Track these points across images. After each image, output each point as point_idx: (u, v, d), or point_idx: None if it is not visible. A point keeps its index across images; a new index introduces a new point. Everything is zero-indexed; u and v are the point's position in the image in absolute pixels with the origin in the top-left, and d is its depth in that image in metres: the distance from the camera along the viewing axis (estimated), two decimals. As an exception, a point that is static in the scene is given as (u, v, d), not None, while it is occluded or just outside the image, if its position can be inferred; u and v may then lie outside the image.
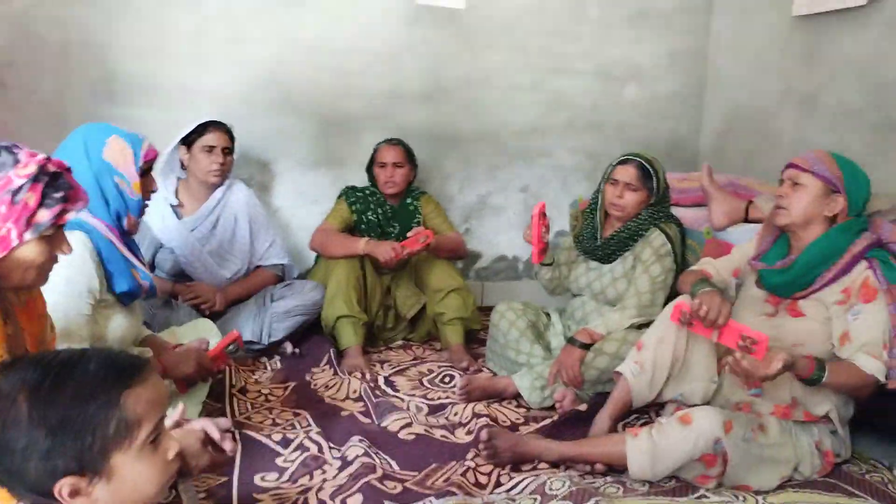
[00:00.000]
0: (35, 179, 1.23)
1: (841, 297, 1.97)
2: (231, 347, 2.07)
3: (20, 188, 1.21)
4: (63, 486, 0.91)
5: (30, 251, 1.26)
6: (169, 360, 1.89)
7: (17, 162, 1.23)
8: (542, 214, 2.42)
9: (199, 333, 2.22)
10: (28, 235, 1.23)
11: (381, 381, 2.60)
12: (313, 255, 3.12)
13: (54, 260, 1.33)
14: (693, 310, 1.95)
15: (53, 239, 1.30)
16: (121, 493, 0.95)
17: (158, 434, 0.99)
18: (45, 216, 1.24)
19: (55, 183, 1.26)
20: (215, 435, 1.39)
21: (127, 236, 1.91)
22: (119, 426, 0.93)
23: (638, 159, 2.50)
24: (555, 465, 2.01)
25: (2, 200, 1.20)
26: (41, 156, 1.26)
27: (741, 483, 1.90)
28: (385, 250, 2.74)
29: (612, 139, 3.64)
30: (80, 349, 0.99)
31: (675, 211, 2.74)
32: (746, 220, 2.62)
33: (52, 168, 1.26)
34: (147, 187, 1.90)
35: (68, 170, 1.31)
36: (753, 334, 1.86)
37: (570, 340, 2.42)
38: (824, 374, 1.84)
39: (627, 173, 2.49)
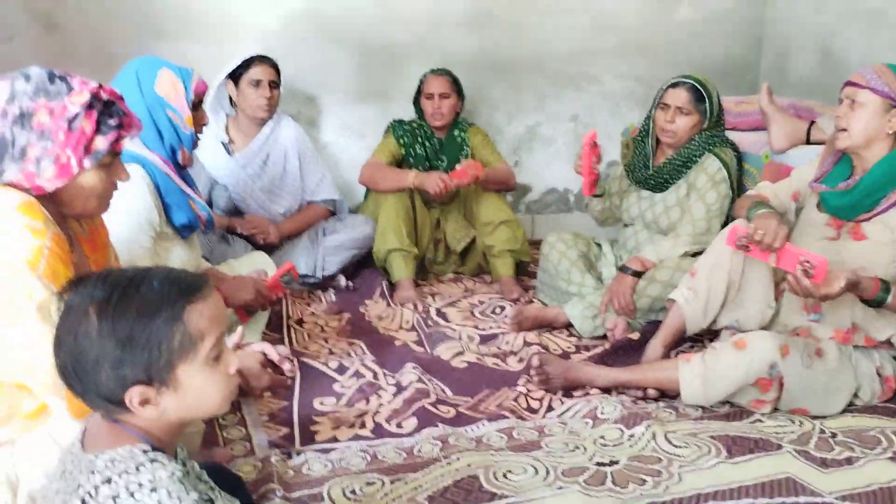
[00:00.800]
0: (90, 107, 1.25)
1: (908, 218, 1.89)
2: (286, 278, 2.12)
3: (76, 116, 1.23)
4: (133, 395, 0.95)
5: (90, 178, 1.29)
6: (228, 288, 1.94)
7: (70, 90, 1.25)
8: (594, 144, 2.37)
9: (255, 266, 2.27)
10: (87, 163, 1.26)
11: (432, 312, 2.63)
12: (363, 189, 3.13)
13: (114, 187, 1.37)
14: (748, 234, 1.90)
15: (111, 166, 1.33)
16: (186, 403, 1.00)
17: (220, 349, 1.02)
18: (101, 143, 1.27)
19: (109, 110, 1.29)
20: (274, 356, 1.43)
21: (182, 170, 1.95)
22: (183, 339, 0.96)
23: (690, 81, 2.41)
24: (606, 390, 2.02)
25: (59, 128, 1.22)
26: (94, 84, 1.28)
27: (798, 407, 1.88)
28: (434, 182, 2.73)
29: (664, 63, 3.49)
30: (144, 268, 1.02)
31: (733, 135, 2.65)
32: (808, 143, 2.51)
33: (105, 96, 1.28)
34: (199, 121, 1.92)
35: (121, 97, 1.33)
36: (812, 257, 1.80)
37: (622, 269, 2.40)
38: (889, 295, 1.78)
39: (679, 96, 2.40)
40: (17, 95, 1.22)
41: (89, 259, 1.42)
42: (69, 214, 1.34)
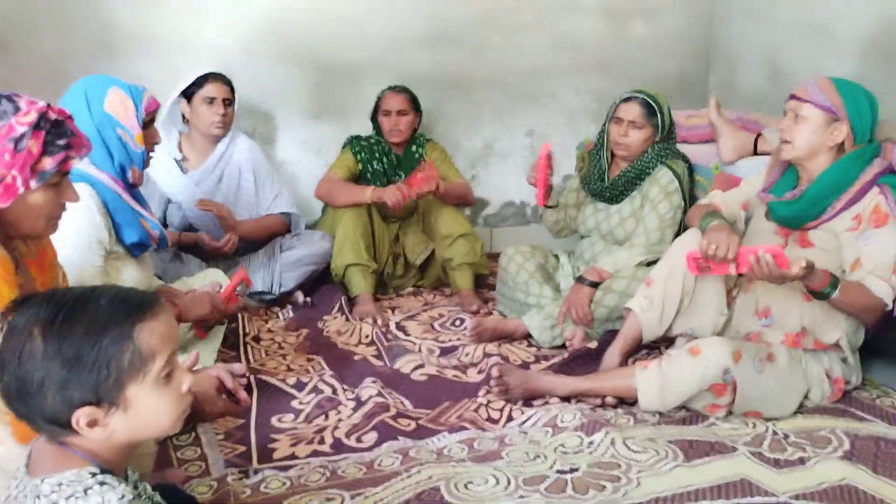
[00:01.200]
0: (37, 126, 1.23)
1: (852, 225, 1.95)
2: (240, 288, 2.09)
3: (23, 136, 1.21)
4: (80, 417, 0.93)
5: (37, 198, 1.26)
6: (184, 305, 1.91)
7: (17, 110, 1.23)
8: (549, 156, 2.40)
9: (210, 283, 2.24)
10: (34, 183, 1.24)
11: (392, 326, 2.63)
12: (320, 206, 3.12)
13: (62, 208, 1.34)
14: (702, 251, 1.94)
15: (59, 187, 1.30)
16: (136, 424, 0.98)
17: (172, 368, 1.01)
18: (49, 163, 1.24)
19: (57, 130, 1.26)
20: (229, 383, 1.41)
21: (133, 188, 1.92)
22: (133, 358, 0.94)
23: (641, 96, 2.47)
24: (566, 399, 2.04)
25: (5, 148, 1.20)
26: (42, 103, 1.26)
27: (751, 410, 1.92)
28: (392, 193, 2.73)
29: (619, 79, 3.56)
30: (91, 286, 1.00)
31: (684, 148, 2.71)
32: (755, 154, 2.59)
33: (53, 115, 1.26)
34: (150, 139, 1.90)
35: (69, 117, 1.31)
36: (767, 249, 1.84)
37: (579, 279, 2.43)
38: (836, 290, 1.84)
39: (631, 111, 2.46)
40: None
41: (36, 280, 1.39)
42: (16, 235, 1.31)
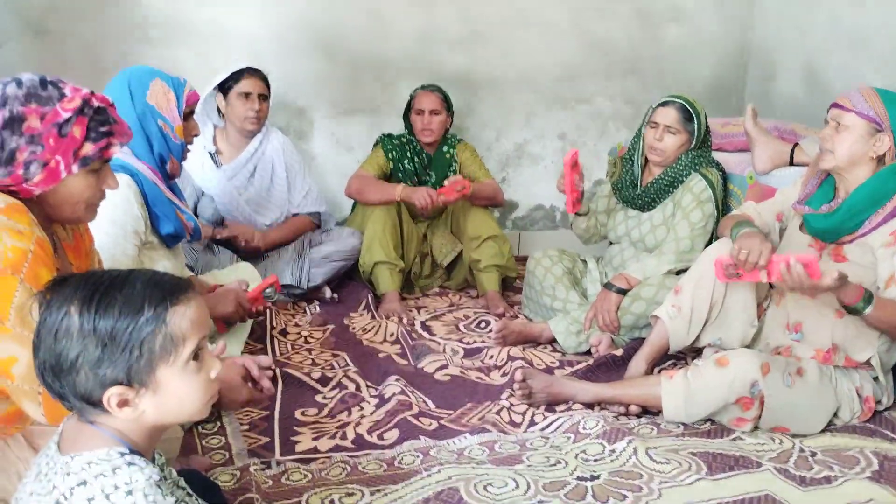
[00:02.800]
0: (81, 112, 1.26)
1: (889, 240, 1.91)
2: (269, 291, 2.11)
3: (67, 121, 1.24)
4: (111, 396, 0.94)
5: (78, 184, 1.29)
6: (208, 301, 1.93)
7: (63, 96, 1.25)
8: (575, 163, 2.39)
9: (240, 277, 2.26)
10: (75, 168, 1.26)
11: (417, 325, 2.63)
12: (349, 202, 3.14)
13: (102, 195, 1.37)
14: (733, 256, 1.91)
15: (100, 173, 1.33)
16: (165, 406, 0.99)
17: (201, 353, 1.02)
18: (91, 149, 1.27)
19: (100, 117, 1.29)
20: (255, 372, 1.43)
21: (170, 180, 1.95)
22: (165, 341, 0.96)
23: (679, 101, 2.44)
24: (589, 405, 2.03)
25: (49, 133, 1.23)
26: (86, 90, 1.29)
27: (778, 426, 1.89)
28: (422, 196, 2.74)
29: (653, 84, 3.55)
30: (127, 269, 1.02)
31: (718, 156, 2.68)
32: (792, 164, 2.55)
33: (96, 103, 1.29)
34: (189, 131, 1.93)
35: (112, 105, 1.34)
36: (800, 258, 1.81)
37: (607, 286, 2.41)
38: (869, 306, 1.80)
39: (668, 115, 2.44)
40: (9, 100, 1.22)
41: (73, 266, 1.42)
42: (57, 219, 1.34)
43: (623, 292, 2.38)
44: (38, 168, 1.22)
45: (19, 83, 1.24)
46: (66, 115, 1.24)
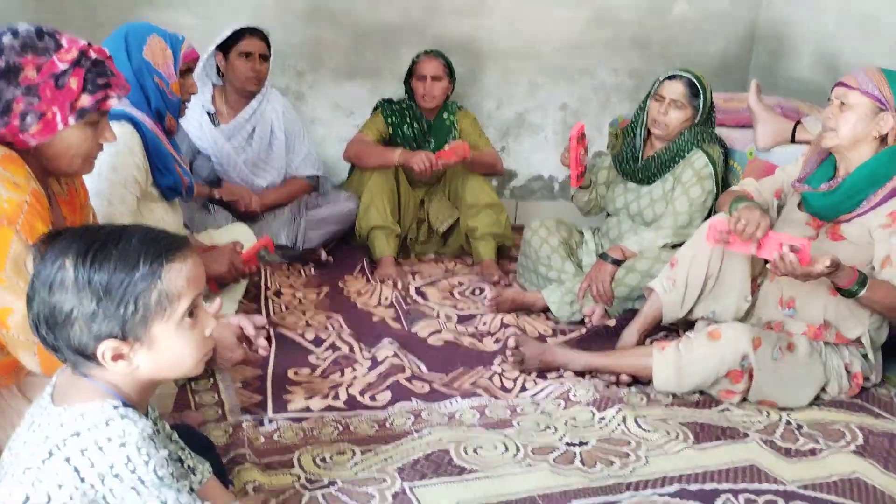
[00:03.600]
0: (77, 64, 1.24)
1: (886, 221, 1.91)
2: (262, 253, 2.11)
3: (63, 72, 1.22)
4: (106, 349, 0.95)
5: (75, 136, 1.28)
6: (203, 259, 1.93)
7: (59, 47, 1.24)
8: (581, 136, 2.37)
9: (235, 237, 2.26)
10: (72, 120, 1.25)
11: (412, 290, 2.64)
12: (346, 167, 3.12)
13: (99, 147, 1.35)
14: (730, 224, 1.92)
15: (97, 126, 1.32)
16: (159, 362, 1.00)
17: (196, 310, 1.02)
18: (88, 101, 1.26)
19: (97, 69, 1.27)
20: (250, 331, 1.43)
21: (168, 136, 1.94)
22: (160, 297, 0.96)
23: (687, 75, 2.42)
24: (580, 374, 2.04)
25: (46, 84, 1.21)
26: (83, 42, 1.27)
27: (766, 399, 1.91)
28: (420, 159, 2.73)
29: (657, 58, 3.51)
30: (123, 224, 1.01)
31: (720, 131, 2.67)
32: (793, 142, 2.54)
33: (93, 54, 1.27)
34: (187, 89, 1.92)
35: (109, 57, 1.32)
36: (795, 240, 1.81)
37: (602, 256, 2.42)
38: (864, 288, 1.81)
39: (675, 89, 2.41)
40: (5, 50, 1.20)
41: (67, 220, 1.41)
42: (53, 172, 1.33)
43: (618, 263, 2.38)
44: (35, 119, 1.21)
45: (15, 33, 1.22)
46: (62, 67, 1.22)
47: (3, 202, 1.16)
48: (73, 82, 1.23)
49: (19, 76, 1.20)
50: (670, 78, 2.44)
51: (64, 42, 1.25)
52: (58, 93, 1.22)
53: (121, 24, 1.89)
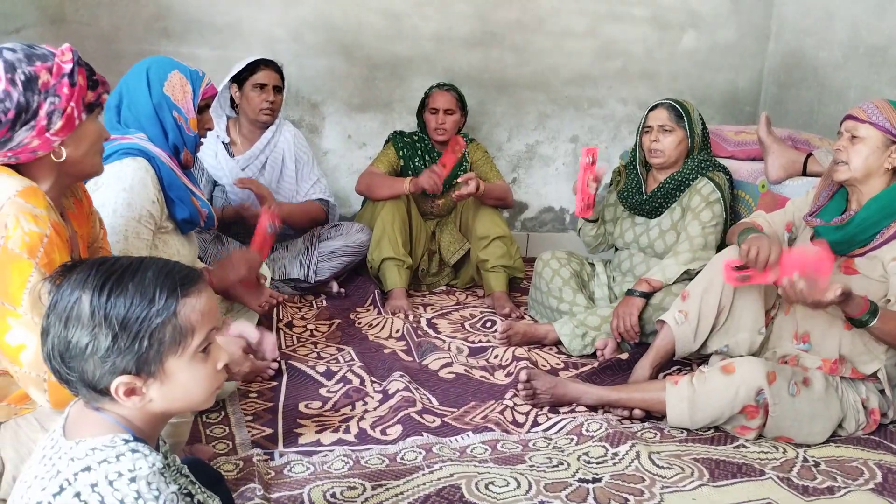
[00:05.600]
0: (77, 63, 1.29)
1: (900, 254, 1.90)
2: (270, 229, 2.11)
3: (72, 71, 1.27)
4: (120, 385, 0.95)
5: (90, 130, 1.33)
6: (216, 274, 1.94)
7: (52, 53, 1.29)
8: (593, 161, 2.37)
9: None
10: (84, 116, 1.30)
11: (423, 322, 2.63)
12: (359, 198, 3.14)
13: (105, 139, 1.40)
14: (742, 256, 1.90)
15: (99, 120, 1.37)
16: (172, 396, 0.99)
17: (209, 344, 1.02)
18: (92, 96, 1.32)
19: (88, 67, 1.33)
20: (253, 337, 1.43)
21: (184, 169, 1.96)
22: (174, 333, 0.96)
23: (667, 101, 2.49)
24: (593, 408, 2.02)
25: (61, 84, 1.26)
26: (65, 45, 1.32)
27: (782, 435, 1.88)
28: (427, 177, 2.75)
29: (666, 90, 3.54)
30: (138, 257, 1.02)
31: (731, 164, 2.68)
32: (804, 174, 2.54)
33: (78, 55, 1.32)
34: (203, 124, 1.94)
35: None
36: (812, 257, 1.79)
37: (629, 292, 2.39)
38: (875, 319, 1.79)
39: (659, 116, 2.47)
40: (15, 64, 1.24)
41: (77, 234, 1.42)
42: (78, 177, 1.36)
43: (646, 296, 2.36)
44: (59, 117, 1.25)
45: (12, 50, 1.26)
46: (69, 67, 1.27)
47: (24, 235, 1.18)
48: (80, 80, 1.29)
49: (38, 82, 1.24)
50: (652, 108, 2.51)
51: (53, 49, 1.30)
52: (73, 90, 1.27)
53: (138, 56, 1.93)
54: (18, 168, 1.26)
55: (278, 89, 2.80)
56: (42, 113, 1.24)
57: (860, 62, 3.02)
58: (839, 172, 1.96)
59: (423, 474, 1.64)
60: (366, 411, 1.95)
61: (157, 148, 1.83)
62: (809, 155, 2.56)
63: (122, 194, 1.70)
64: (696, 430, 1.93)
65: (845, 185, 1.99)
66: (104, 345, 0.93)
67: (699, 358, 2.23)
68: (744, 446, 1.86)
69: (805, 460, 1.80)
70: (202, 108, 1.91)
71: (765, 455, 1.82)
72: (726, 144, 2.88)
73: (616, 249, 2.68)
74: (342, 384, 2.09)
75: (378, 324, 2.59)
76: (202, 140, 1.96)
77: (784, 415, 1.85)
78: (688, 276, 2.36)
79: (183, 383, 0.99)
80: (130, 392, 0.96)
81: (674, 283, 2.36)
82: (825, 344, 1.97)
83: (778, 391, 1.84)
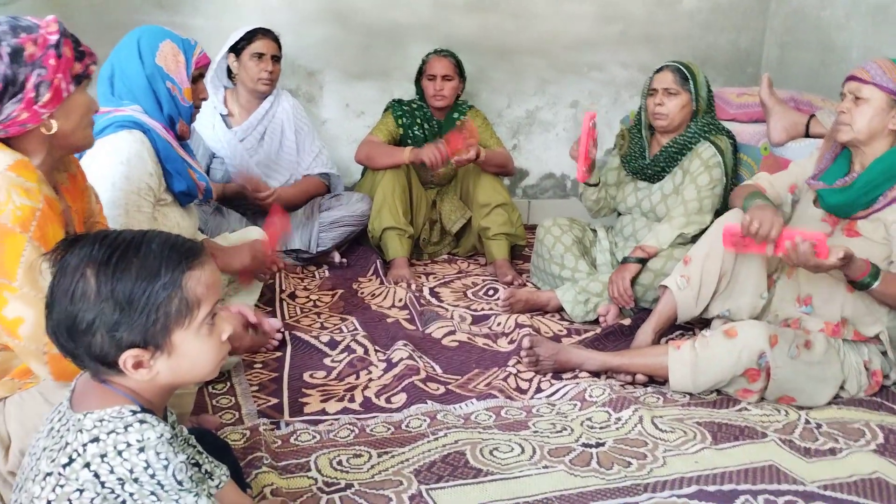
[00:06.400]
0: (63, 35, 1.27)
1: (903, 216, 1.89)
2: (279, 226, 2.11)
3: (58, 42, 1.26)
4: (128, 358, 0.95)
5: (79, 102, 1.31)
6: (222, 258, 1.94)
7: (37, 24, 1.27)
8: (593, 126, 2.36)
9: (250, 240, 2.26)
10: (72, 87, 1.28)
11: (425, 291, 2.64)
12: (359, 168, 3.12)
13: (95, 111, 1.38)
14: (744, 226, 1.90)
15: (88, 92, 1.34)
16: (179, 368, 1.00)
17: (214, 316, 1.03)
18: (79, 67, 1.30)
19: (74, 38, 1.31)
20: (251, 318, 1.43)
21: (180, 141, 1.94)
22: (180, 305, 0.96)
23: (672, 64, 2.46)
24: (595, 374, 2.03)
25: (47, 55, 1.25)
26: (50, 17, 1.29)
27: (784, 397, 1.90)
28: (430, 152, 2.72)
29: (668, 52, 3.48)
30: (141, 231, 1.01)
31: (733, 126, 2.65)
32: (807, 136, 2.51)
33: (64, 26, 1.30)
34: (198, 94, 1.92)
35: None
36: (810, 236, 1.80)
37: (625, 259, 2.39)
38: (876, 281, 1.79)
39: (664, 79, 2.43)
40: (0, 36, 1.22)
41: (72, 209, 1.41)
42: (69, 149, 1.35)
43: (642, 261, 2.36)
44: (46, 88, 1.24)
45: None
46: (54, 38, 1.26)
47: (16, 209, 1.17)
48: (67, 51, 1.27)
49: (24, 55, 1.23)
50: (658, 71, 2.48)
51: (38, 20, 1.28)
52: (59, 61, 1.25)
53: (129, 27, 1.89)
54: (8, 142, 1.24)
55: (276, 58, 2.77)
56: (29, 85, 1.23)
57: (863, 21, 2.97)
58: (842, 133, 1.94)
59: (428, 441, 1.65)
60: (370, 380, 1.96)
61: (152, 120, 1.82)
62: (812, 116, 2.54)
63: (119, 167, 1.69)
64: (699, 393, 1.94)
65: (848, 146, 1.98)
66: (111, 319, 0.93)
67: (701, 322, 2.23)
68: (746, 409, 1.88)
69: (807, 422, 1.82)
70: (196, 78, 1.88)
71: (767, 418, 1.83)
72: (728, 107, 2.85)
73: (619, 214, 2.67)
74: (346, 354, 2.10)
75: (381, 293, 2.59)
76: (197, 110, 1.93)
77: (786, 377, 1.86)
78: (683, 239, 2.36)
79: (190, 355, 1.00)
80: (138, 365, 0.97)
81: (675, 247, 2.36)
82: (828, 307, 1.97)
83: (780, 354, 1.85)
